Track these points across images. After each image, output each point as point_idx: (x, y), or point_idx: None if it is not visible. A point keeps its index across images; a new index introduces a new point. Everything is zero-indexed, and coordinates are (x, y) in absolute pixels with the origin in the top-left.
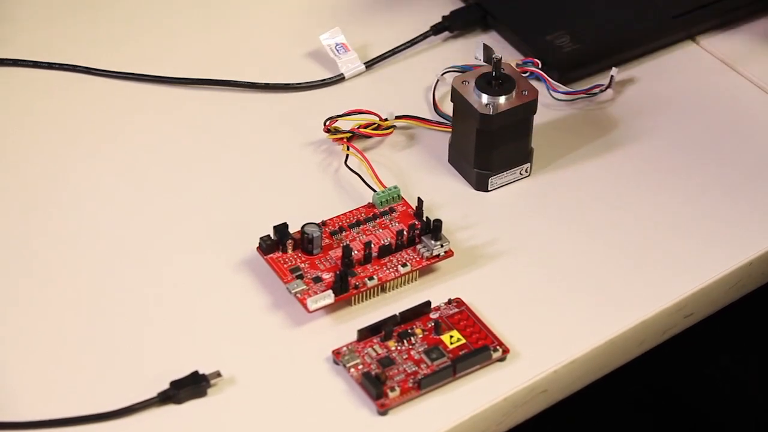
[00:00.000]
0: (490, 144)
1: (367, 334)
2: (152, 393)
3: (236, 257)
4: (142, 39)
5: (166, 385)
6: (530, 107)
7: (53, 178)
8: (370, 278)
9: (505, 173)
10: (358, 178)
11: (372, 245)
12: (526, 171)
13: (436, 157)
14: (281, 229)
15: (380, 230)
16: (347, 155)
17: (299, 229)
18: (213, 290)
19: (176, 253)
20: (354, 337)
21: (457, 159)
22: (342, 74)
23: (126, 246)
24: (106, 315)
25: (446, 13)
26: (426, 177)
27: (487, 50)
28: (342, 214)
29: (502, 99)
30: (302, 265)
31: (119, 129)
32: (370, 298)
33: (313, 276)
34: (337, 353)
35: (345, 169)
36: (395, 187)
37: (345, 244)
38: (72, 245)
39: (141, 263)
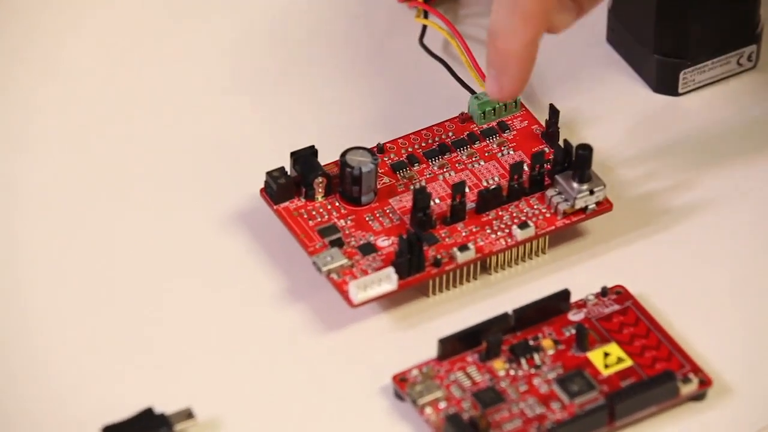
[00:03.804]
0: (682, 9)
1: (455, 347)
2: None
3: (225, 207)
4: None
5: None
6: None
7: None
8: (462, 248)
9: (709, 63)
10: (443, 69)
11: (466, 189)
12: (749, 59)
13: (585, 32)
14: (305, 157)
15: (481, 163)
16: (424, 27)
17: (336, 158)
18: (184, 268)
19: (131, 206)
20: (432, 352)
21: (622, 36)
22: None
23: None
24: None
25: None
26: (566, 67)
27: None
28: (413, 134)
29: None
30: (341, 223)
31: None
32: (461, 283)
33: (361, 243)
34: (401, 380)
35: (419, 53)
36: None
37: (418, 186)
38: None
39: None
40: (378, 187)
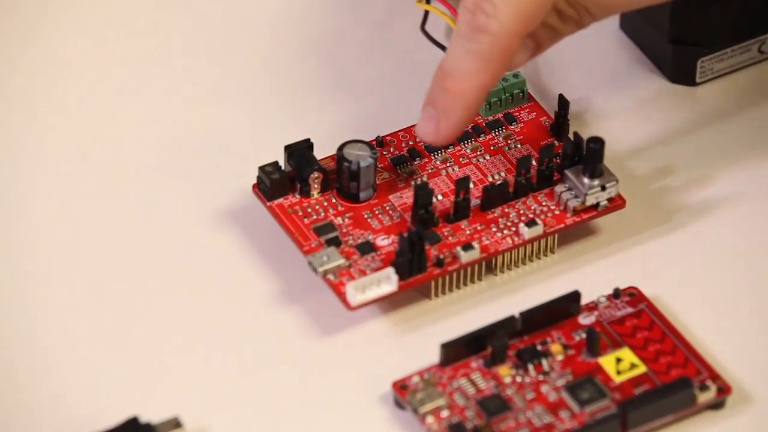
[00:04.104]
0: None
1: (459, 352)
2: None
3: (216, 204)
4: None
5: None
6: None
7: None
8: (466, 247)
9: (728, 51)
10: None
11: (470, 185)
12: None
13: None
14: (300, 150)
15: (486, 157)
16: (426, 13)
17: (333, 152)
18: (171, 268)
19: (117, 203)
20: (434, 358)
21: (636, 22)
22: None
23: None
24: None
25: None
26: (576, 56)
27: None
28: (414, 126)
29: None
30: (338, 221)
31: None
32: (465, 284)
33: (359, 242)
34: (401, 388)
35: (421, 40)
36: (517, 75)
37: (420, 181)
38: None
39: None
40: (377, 182)
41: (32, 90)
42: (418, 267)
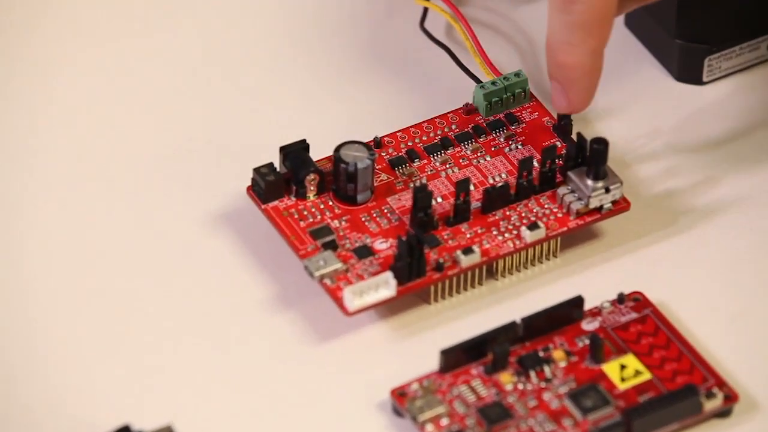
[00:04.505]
0: None
1: (459, 359)
2: None
3: (209, 207)
4: None
5: None
6: None
7: None
8: (467, 251)
9: (736, 49)
10: (446, 55)
11: (471, 187)
12: None
13: None
14: (296, 152)
15: (487, 158)
16: (425, 10)
17: (330, 153)
18: (163, 273)
19: (107, 204)
20: (434, 365)
21: (642, 19)
22: None
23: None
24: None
25: None
26: None
27: None
28: (413, 126)
29: None
30: (335, 224)
31: None
32: (465, 289)
33: (357, 245)
34: (400, 395)
35: (420, 39)
36: (518, 74)
37: (419, 183)
38: None
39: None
40: (375, 184)
41: (29, 90)
42: (417, 271)
